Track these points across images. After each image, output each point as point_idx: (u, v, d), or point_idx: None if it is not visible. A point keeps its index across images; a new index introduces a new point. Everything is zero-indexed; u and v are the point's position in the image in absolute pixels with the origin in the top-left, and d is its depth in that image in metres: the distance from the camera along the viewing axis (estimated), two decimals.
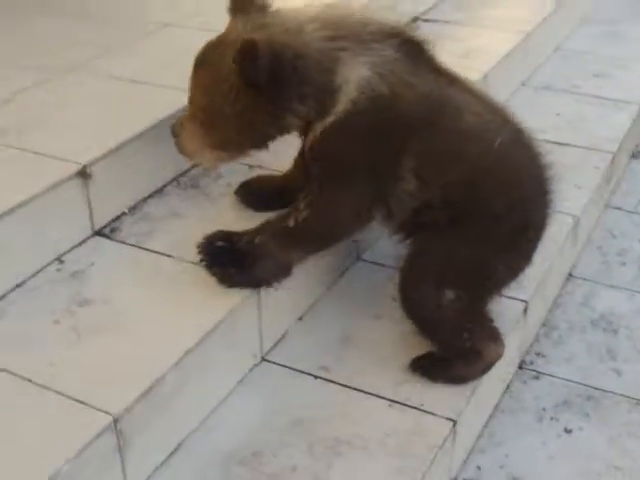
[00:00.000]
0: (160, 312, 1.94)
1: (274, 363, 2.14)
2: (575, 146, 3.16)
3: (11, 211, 1.96)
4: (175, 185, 2.42)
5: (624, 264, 2.94)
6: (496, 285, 2.15)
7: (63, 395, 1.70)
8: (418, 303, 2.07)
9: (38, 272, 2.05)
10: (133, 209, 2.30)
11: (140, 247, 2.16)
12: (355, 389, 2.08)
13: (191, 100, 2.03)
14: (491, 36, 3.52)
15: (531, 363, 2.51)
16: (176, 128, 2.07)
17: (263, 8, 2.01)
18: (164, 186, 2.40)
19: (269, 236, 2.03)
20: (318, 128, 1.95)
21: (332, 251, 2.35)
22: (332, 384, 2.09)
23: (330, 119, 1.93)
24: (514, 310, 2.34)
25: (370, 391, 2.07)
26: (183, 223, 2.25)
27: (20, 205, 1.98)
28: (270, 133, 2.02)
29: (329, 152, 1.98)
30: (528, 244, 2.13)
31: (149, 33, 2.95)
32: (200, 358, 1.88)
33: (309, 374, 2.11)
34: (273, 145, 2.08)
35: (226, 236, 2.07)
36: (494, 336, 2.12)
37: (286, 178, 2.32)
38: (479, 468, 2.19)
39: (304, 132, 2.02)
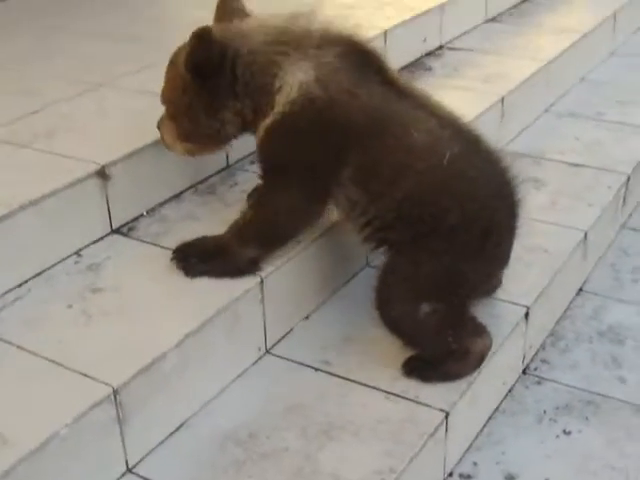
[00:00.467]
0: (166, 300, 2.07)
1: (278, 356, 2.24)
2: (590, 167, 3.23)
3: (33, 203, 2.11)
4: (193, 191, 2.55)
5: (636, 281, 2.99)
6: (471, 291, 2.17)
7: (68, 368, 1.83)
8: (397, 320, 2.12)
9: (57, 263, 2.20)
10: (151, 211, 2.43)
11: (154, 244, 2.28)
12: (353, 381, 2.16)
13: (162, 95, 2.21)
14: (512, 63, 3.63)
15: (535, 369, 2.57)
16: (159, 122, 2.25)
17: (243, 17, 2.15)
18: (182, 192, 2.53)
19: (230, 234, 2.16)
20: (261, 129, 2.06)
21: (341, 258, 2.46)
22: (331, 376, 2.18)
23: (269, 120, 2.04)
24: (514, 314, 2.41)
25: (367, 383, 2.15)
26: (197, 224, 2.38)
27: (42, 198, 2.13)
28: (216, 127, 2.14)
29: (267, 152, 2.10)
30: (495, 248, 2.14)
31: None
32: (201, 343, 1.99)
33: (310, 367, 2.21)
34: None
35: (200, 238, 2.21)
36: (479, 331, 2.18)
37: None
38: (475, 464, 2.24)
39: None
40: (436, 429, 2.02)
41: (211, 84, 2.06)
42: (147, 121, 2.53)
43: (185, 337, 1.94)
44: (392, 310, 2.11)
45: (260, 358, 2.22)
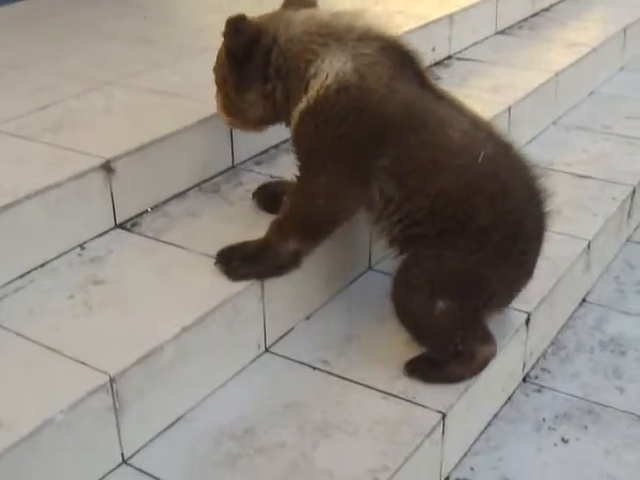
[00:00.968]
0: (166, 294, 2.07)
1: (277, 355, 2.24)
2: (596, 178, 3.24)
3: (39, 193, 2.13)
4: (197, 189, 2.57)
5: (639, 293, 2.98)
6: (491, 298, 2.17)
7: (66, 356, 1.84)
8: (410, 313, 2.13)
9: (60, 255, 2.21)
10: (155, 208, 2.44)
11: (157, 239, 2.30)
12: (351, 381, 2.16)
13: (214, 66, 2.26)
14: (520, 74, 3.63)
15: (536, 377, 2.57)
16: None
17: (309, 6, 2.20)
18: (187, 190, 2.54)
19: (270, 232, 2.15)
20: (295, 115, 2.08)
21: (344, 260, 2.47)
22: (330, 375, 2.18)
23: (303, 104, 2.05)
24: (515, 320, 2.40)
25: (365, 383, 2.15)
26: (200, 221, 2.40)
27: (47, 189, 2.14)
28: (243, 107, 2.18)
29: (301, 137, 2.10)
30: (521, 255, 2.14)
31: (189, 55, 3.15)
32: (200, 337, 2.00)
33: (309, 365, 2.21)
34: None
35: (243, 241, 2.21)
36: (486, 338, 2.18)
37: None
38: (472, 469, 2.24)
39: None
40: (432, 430, 2.02)
41: (241, 66, 2.11)
42: (154, 118, 2.56)
43: (183, 330, 1.95)
44: (408, 301, 2.12)
45: (259, 356, 2.23)
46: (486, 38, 4.11)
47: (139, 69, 3.02)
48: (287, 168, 2.36)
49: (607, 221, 2.96)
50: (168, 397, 1.96)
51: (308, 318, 2.38)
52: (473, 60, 3.82)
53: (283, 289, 2.24)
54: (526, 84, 3.52)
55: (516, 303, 2.42)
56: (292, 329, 2.33)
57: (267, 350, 2.25)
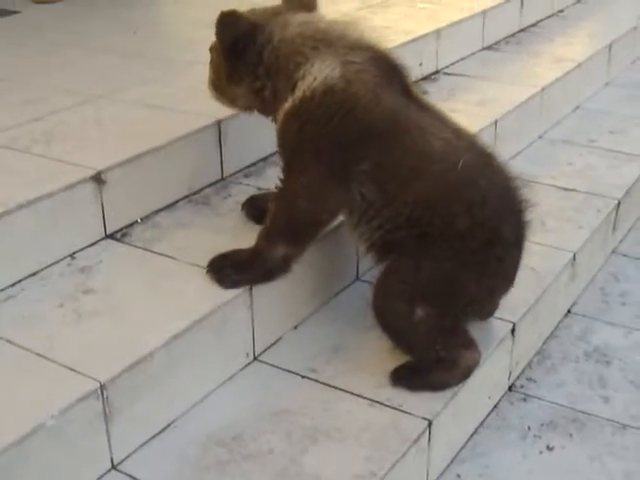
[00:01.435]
0: (155, 303, 2.10)
1: (265, 363, 2.27)
2: (581, 191, 3.28)
3: (30, 203, 2.16)
4: (187, 201, 2.60)
5: (624, 304, 3.02)
6: (470, 304, 2.20)
7: (56, 363, 1.86)
8: (390, 320, 2.16)
9: (51, 265, 2.23)
10: (145, 218, 2.47)
11: (147, 249, 2.32)
12: (339, 389, 2.19)
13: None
14: (506, 89, 3.68)
15: (521, 387, 2.59)
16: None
17: (309, 9, 2.26)
18: (177, 201, 2.58)
19: (259, 238, 2.19)
20: (281, 113, 2.12)
21: (332, 270, 2.50)
22: (317, 383, 2.20)
23: (289, 104, 2.10)
24: (501, 329, 2.43)
25: (353, 391, 2.18)
26: (189, 232, 2.43)
27: (38, 199, 2.17)
28: (231, 95, 2.25)
29: (285, 136, 2.15)
30: (498, 262, 2.16)
31: (179, 68, 3.19)
32: (189, 344, 2.02)
33: (297, 374, 2.23)
34: None
35: (234, 249, 2.24)
36: (468, 344, 2.20)
37: None
38: (458, 476, 2.26)
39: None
40: (419, 437, 2.05)
41: (234, 59, 2.17)
42: (144, 131, 2.59)
43: (172, 338, 1.97)
44: (388, 310, 2.15)
45: (248, 364, 2.25)
46: (473, 53, 4.16)
47: (129, 83, 3.06)
48: (275, 180, 2.38)
49: (592, 233, 3.00)
50: (158, 404, 1.98)
51: (296, 327, 2.40)
52: (460, 75, 3.87)
53: (272, 298, 2.27)
54: (512, 98, 3.57)
55: (502, 313, 2.46)
56: (280, 338, 2.35)
57: (256, 358, 2.27)
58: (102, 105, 2.84)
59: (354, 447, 2.00)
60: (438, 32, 3.82)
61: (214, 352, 2.12)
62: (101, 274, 2.21)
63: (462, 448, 2.34)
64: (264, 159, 2.85)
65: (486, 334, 2.39)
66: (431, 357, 2.16)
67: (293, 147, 2.14)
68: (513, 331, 2.46)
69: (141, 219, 2.46)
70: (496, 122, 3.32)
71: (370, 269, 2.64)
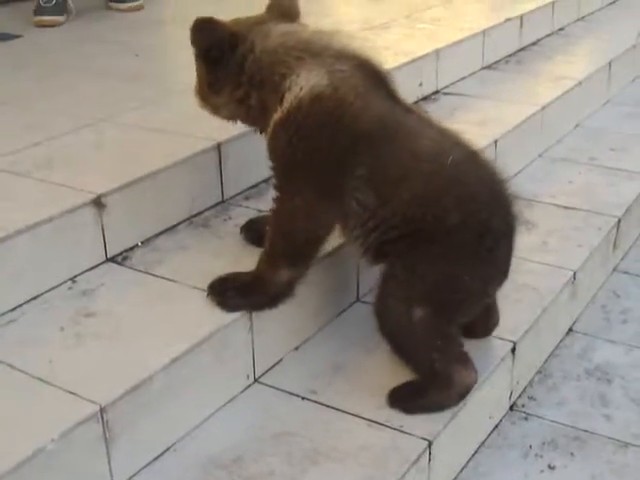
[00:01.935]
0: (156, 326, 2.11)
1: (266, 385, 2.28)
2: (581, 210, 3.28)
3: (30, 228, 2.17)
4: (187, 224, 2.61)
5: (625, 322, 3.02)
6: (467, 299, 2.21)
7: (57, 387, 1.87)
8: (390, 322, 2.17)
9: (52, 289, 2.24)
10: (146, 242, 2.48)
11: (147, 273, 2.34)
12: (339, 410, 2.19)
13: None
14: (507, 108, 3.70)
15: (522, 406, 2.60)
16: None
17: (292, 19, 2.28)
18: (177, 224, 2.59)
19: (260, 263, 2.20)
20: (270, 125, 2.14)
21: (333, 292, 2.51)
22: (318, 405, 2.21)
23: (277, 115, 2.11)
24: (501, 349, 2.44)
25: (353, 412, 2.18)
26: (190, 255, 2.44)
27: (38, 224, 2.19)
28: (214, 103, 2.26)
29: (274, 148, 2.16)
30: (489, 252, 2.18)
31: (180, 91, 3.20)
32: (189, 367, 2.03)
33: (298, 395, 2.24)
34: None
35: (236, 272, 2.26)
36: (464, 361, 2.20)
37: None
38: None
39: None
40: (419, 457, 2.05)
41: (212, 67, 2.19)
42: (144, 154, 2.61)
43: (172, 361, 1.98)
44: (387, 312, 2.16)
45: (249, 386, 2.26)
46: (473, 73, 4.18)
47: (130, 106, 3.08)
48: None
49: (593, 251, 3.01)
50: (158, 427, 1.99)
51: (297, 349, 2.41)
52: (460, 94, 3.89)
53: (272, 321, 2.28)
54: (512, 117, 3.59)
55: (502, 332, 2.47)
56: (281, 360, 2.36)
57: (256, 380, 2.28)
58: (103, 129, 2.86)
59: (354, 468, 2.00)
60: (438, 52, 3.84)
61: (214, 374, 2.13)
62: (102, 297, 2.22)
63: (463, 468, 2.34)
64: (265, 181, 2.86)
65: (486, 353, 2.40)
66: (427, 365, 2.17)
67: (284, 162, 2.15)
68: (514, 350, 2.47)
69: (142, 242, 2.47)
70: (496, 141, 3.34)
71: (371, 290, 2.65)
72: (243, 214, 2.65)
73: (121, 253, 2.43)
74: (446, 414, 2.18)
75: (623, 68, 4.68)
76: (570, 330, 2.96)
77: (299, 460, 2.02)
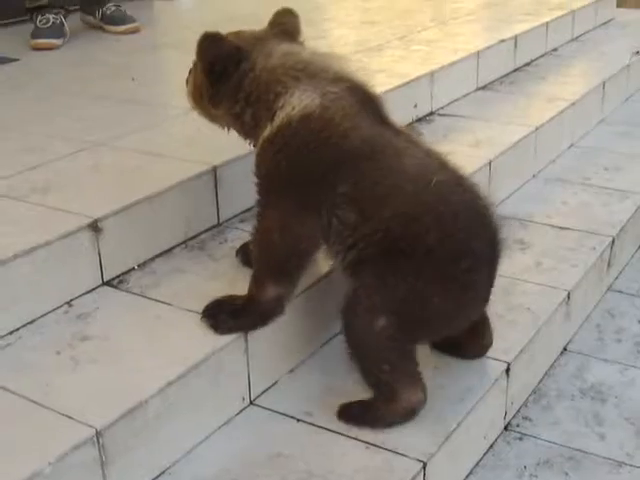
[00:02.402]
0: (152, 349, 2.12)
1: (261, 407, 2.29)
2: (575, 230, 3.31)
3: (27, 252, 2.19)
4: (183, 247, 2.63)
5: (619, 341, 3.04)
6: (434, 319, 2.21)
7: (53, 410, 1.88)
8: (353, 329, 2.17)
9: (48, 312, 2.26)
10: (142, 265, 2.50)
11: (143, 296, 2.35)
12: (334, 432, 2.21)
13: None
14: (501, 129, 3.72)
15: (517, 426, 2.61)
16: (191, 68, 2.36)
17: (292, 39, 2.31)
18: (173, 247, 2.61)
19: (250, 284, 2.24)
20: (260, 140, 2.18)
21: (328, 314, 2.52)
22: (313, 427, 2.22)
23: (267, 132, 2.15)
24: (496, 369, 2.46)
25: (348, 434, 2.20)
26: (186, 278, 2.45)
27: (35, 248, 2.20)
28: (211, 113, 2.31)
29: (261, 163, 2.19)
30: (465, 275, 2.16)
31: (175, 115, 3.24)
32: (184, 390, 2.04)
33: (293, 417, 2.25)
34: None
35: (229, 295, 2.28)
36: (414, 380, 2.20)
37: None
38: None
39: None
40: (414, 478, 2.06)
41: (215, 81, 2.22)
42: (140, 178, 2.64)
43: (168, 384, 2.00)
44: (353, 319, 2.17)
45: (244, 408, 2.27)
46: (467, 94, 4.21)
47: (127, 130, 3.10)
48: None
49: (587, 271, 3.03)
50: (153, 450, 2.00)
51: (292, 371, 2.43)
52: (454, 116, 3.92)
53: (267, 343, 2.29)
54: (506, 138, 3.61)
55: (496, 353, 2.48)
56: (276, 382, 2.38)
57: (252, 403, 2.30)
58: (99, 153, 2.88)
59: None
60: (432, 74, 3.87)
61: (210, 397, 2.14)
62: (98, 321, 2.24)
63: None
64: None
65: (481, 374, 2.41)
66: (375, 374, 2.19)
67: (267, 176, 2.19)
68: (508, 371, 2.48)
69: (138, 266, 2.49)
70: (491, 162, 3.36)
71: None
72: (239, 237, 2.67)
73: (117, 276, 2.44)
74: (440, 435, 2.20)
75: (616, 88, 4.71)
76: (564, 350, 2.97)
77: None
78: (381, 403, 2.21)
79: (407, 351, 2.21)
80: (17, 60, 4.16)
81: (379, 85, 3.50)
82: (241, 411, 2.26)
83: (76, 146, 2.95)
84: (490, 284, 2.28)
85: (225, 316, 2.21)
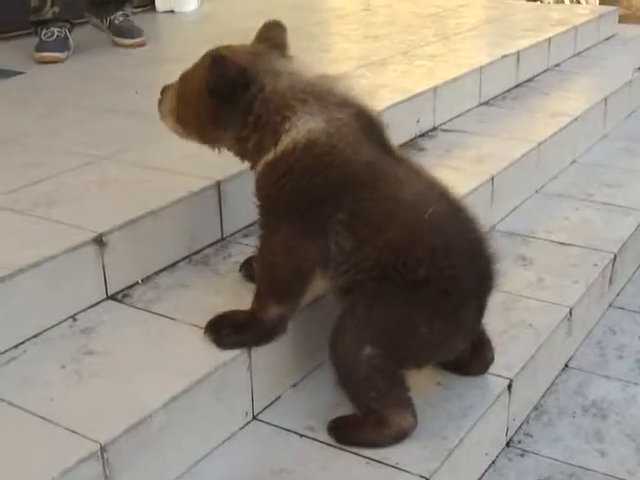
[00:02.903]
0: (156, 364, 2.14)
1: (265, 422, 2.30)
2: (577, 246, 3.32)
3: (32, 267, 2.20)
4: (187, 261, 2.64)
5: (621, 357, 3.04)
6: (421, 350, 2.22)
7: (57, 425, 1.89)
8: (339, 356, 2.18)
9: (53, 327, 2.27)
10: (146, 279, 2.52)
11: (147, 310, 2.37)
12: (337, 447, 2.21)
13: (181, 76, 2.32)
14: (503, 144, 3.74)
15: (519, 442, 2.61)
16: (163, 89, 2.37)
17: (280, 47, 2.29)
18: (177, 262, 2.62)
19: (253, 301, 2.25)
20: (262, 163, 2.17)
21: (329, 330, 2.52)
22: (316, 442, 2.23)
23: (271, 156, 2.15)
24: (497, 386, 2.46)
25: (350, 449, 2.20)
26: (190, 292, 2.47)
27: (40, 262, 2.22)
28: (213, 137, 2.29)
29: (262, 187, 2.19)
30: (454, 310, 2.17)
31: None
32: (188, 405, 2.05)
33: (296, 432, 2.26)
34: None
35: (233, 310, 2.29)
36: (404, 405, 2.20)
37: None
38: None
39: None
40: None
41: (220, 104, 2.18)
42: (145, 193, 2.65)
43: (172, 399, 2.01)
44: (339, 345, 2.17)
45: (247, 423, 2.28)
46: (470, 109, 4.22)
47: (131, 144, 3.12)
48: None
49: (589, 288, 3.04)
50: (157, 465, 2.01)
51: (295, 386, 2.43)
52: (457, 131, 3.93)
53: (270, 358, 2.30)
54: (509, 154, 3.63)
55: (498, 370, 2.49)
56: (279, 397, 2.39)
57: (255, 418, 2.30)
58: (104, 167, 2.90)
59: None
60: (435, 89, 3.89)
61: (213, 412, 2.15)
62: (102, 335, 2.25)
63: None
64: None
65: (482, 391, 2.42)
66: (362, 402, 2.19)
67: (269, 200, 2.19)
68: (510, 387, 2.49)
69: (142, 280, 2.51)
70: (493, 178, 3.38)
71: None
72: (242, 252, 2.68)
73: (122, 291, 2.46)
74: (443, 451, 2.20)
75: (619, 104, 4.73)
76: (566, 366, 2.98)
77: None
78: (371, 428, 2.20)
79: (395, 377, 2.20)
80: (22, 73, 4.17)
81: (382, 100, 3.56)
82: (244, 426, 2.27)
83: (81, 160, 2.97)
84: (480, 317, 2.29)
85: (228, 331, 2.22)
